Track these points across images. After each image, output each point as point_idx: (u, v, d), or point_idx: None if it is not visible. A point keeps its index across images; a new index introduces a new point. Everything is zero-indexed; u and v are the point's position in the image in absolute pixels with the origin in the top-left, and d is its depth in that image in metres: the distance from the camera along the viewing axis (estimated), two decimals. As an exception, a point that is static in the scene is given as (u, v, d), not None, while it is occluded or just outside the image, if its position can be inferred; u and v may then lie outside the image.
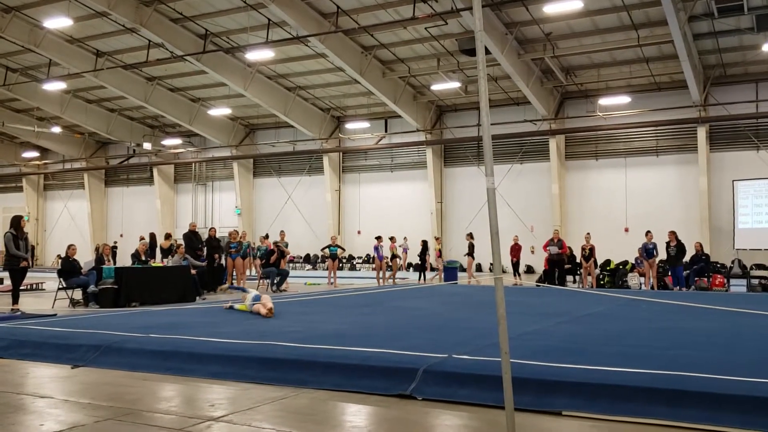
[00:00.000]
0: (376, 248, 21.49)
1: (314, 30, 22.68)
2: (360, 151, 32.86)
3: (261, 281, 19.27)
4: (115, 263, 17.40)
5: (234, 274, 18.52)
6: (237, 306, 11.02)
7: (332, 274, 21.00)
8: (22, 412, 5.30)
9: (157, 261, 19.18)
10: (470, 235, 22.19)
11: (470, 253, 21.66)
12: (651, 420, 4.81)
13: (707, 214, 24.88)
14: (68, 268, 13.94)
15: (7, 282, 14.56)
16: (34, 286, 18.60)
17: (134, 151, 37.18)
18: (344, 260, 31.06)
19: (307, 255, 33.12)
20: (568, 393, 5.22)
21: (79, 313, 11.94)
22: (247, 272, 20.46)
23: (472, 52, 22.66)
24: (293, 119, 30.66)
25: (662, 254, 18.89)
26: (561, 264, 19.71)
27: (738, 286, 19.20)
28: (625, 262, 20.87)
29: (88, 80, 29.15)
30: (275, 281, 18.16)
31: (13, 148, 41.16)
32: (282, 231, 21.20)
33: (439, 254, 23.93)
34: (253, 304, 10.58)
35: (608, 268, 20.99)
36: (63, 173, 41.42)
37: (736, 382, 5.16)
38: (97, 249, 21.75)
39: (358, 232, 32.51)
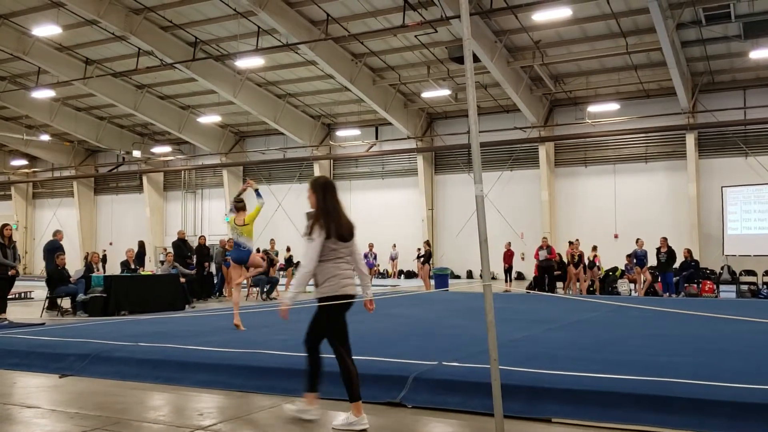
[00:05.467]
0: (366, 256, 21.47)
1: (304, 37, 22.69)
2: (351, 159, 32.88)
3: (250, 289, 19.20)
4: (104, 271, 17.32)
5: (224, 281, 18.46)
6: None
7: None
8: (9, 422, 5.25)
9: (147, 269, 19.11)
10: (427, 243, 22.59)
11: (427, 260, 21.67)
12: (640, 426, 4.82)
13: (696, 220, 25.00)
14: (57, 277, 13.85)
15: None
16: (22, 294, 18.47)
17: (124, 159, 37.02)
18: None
19: (298, 263, 33.02)
20: (558, 400, 5.23)
21: (67, 321, 11.87)
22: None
23: (461, 60, 22.74)
24: (283, 126, 30.65)
25: (652, 260, 18.95)
26: (551, 270, 19.77)
27: (727, 292, 19.26)
28: (615, 269, 20.93)
29: (77, 88, 29.05)
30: (265, 289, 18.13)
31: (2, 156, 40.96)
32: (272, 239, 21.17)
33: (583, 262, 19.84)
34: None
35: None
36: (52, 181, 41.20)
37: (724, 388, 5.18)
38: (86, 257, 21.64)
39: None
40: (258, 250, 19.99)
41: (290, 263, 22.60)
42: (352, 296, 5.16)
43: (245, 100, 28.45)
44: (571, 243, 20.00)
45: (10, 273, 12.15)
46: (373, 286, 21.18)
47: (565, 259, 20.04)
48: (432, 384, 5.71)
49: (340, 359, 5.05)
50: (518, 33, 23.04)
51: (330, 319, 5.09)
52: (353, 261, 5.32)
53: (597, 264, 20.27)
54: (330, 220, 5.14)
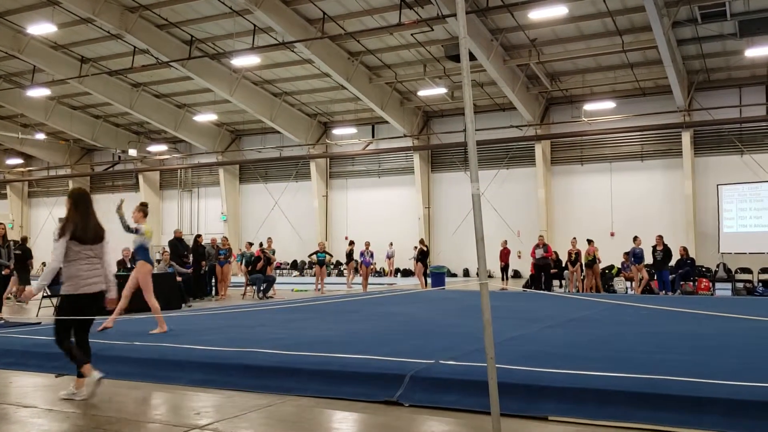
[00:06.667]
0: (362, 254, 21.48)
1: (300, 36, 22.67)
2: (347, 157, 32.87)
3: (247, 288, 19.19)
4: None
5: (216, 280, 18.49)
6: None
7: (320, 281, 20.95)
8: (5, 422, 5.24)
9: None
10: (422, 241, 22.56)
11: (421, 259, 21.60)
12: (636, 424, 4.83)
13: (692, 218, 25.06)
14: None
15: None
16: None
17: (119, 157, 36.97)
18: (332, 266, 31.00)
19: (294, 261, 33.04)
20: (554, 398, 5.23)
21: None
22: (233, 279, 20.38)
23: (457, 58, 22.73)
24: (280, 125, 30.62)
25: (648, 258, 18.98)
26: (547, 268, 19.78)
27: (723, 289, 19.32)
28: (611, 267, 20.94)
29: (72, 87, 28.98)
30: (262, 288, 18.11)
31: (-3, 155, 40.90)
32: (269, 238, 21.16)
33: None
34: None
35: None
36: (48, 180, 41.09)
37: (719, 386, 5.19)
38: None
39: (346, 238, 32.42)
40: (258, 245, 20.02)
41: (350, 257, 22.93)
42: (92, 294, 5.95)
43: (241, 98, 28.42)
44: (590, 241, 19.66)
45: (3, 272, 12.13)
46: (369, 284, 21.23)
47: (583, 259, 19.75)
48: (429, 382, 5.71)
49: (78, 344, 6.04)
50: (514, 31, 23.05)
51: (72, 312, 5.92)
52: (102, 263, 6.06)
53: (597, 261, 20.15)
54: (76, 226, 5.88)
